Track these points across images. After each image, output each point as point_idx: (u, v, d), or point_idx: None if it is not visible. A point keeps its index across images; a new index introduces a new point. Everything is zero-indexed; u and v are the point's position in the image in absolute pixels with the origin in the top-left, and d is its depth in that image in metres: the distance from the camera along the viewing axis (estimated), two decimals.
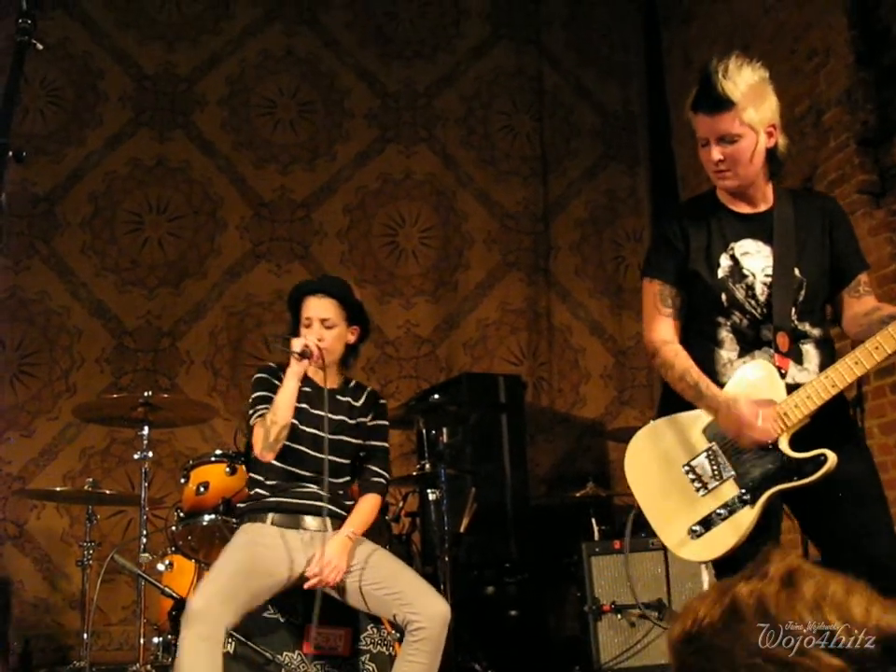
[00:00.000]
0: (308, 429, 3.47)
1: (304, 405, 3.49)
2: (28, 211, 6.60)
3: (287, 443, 3.41)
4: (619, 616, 4.63)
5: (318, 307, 3.53)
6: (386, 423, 3.74)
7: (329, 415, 3.44)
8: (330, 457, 3.40)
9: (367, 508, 3.54)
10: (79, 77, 6.94)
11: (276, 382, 3.51)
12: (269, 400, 3.46)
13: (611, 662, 4.57)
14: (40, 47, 2.00)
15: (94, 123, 6.89)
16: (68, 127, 6.84)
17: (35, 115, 6.77)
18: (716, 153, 2.74)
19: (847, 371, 2.63)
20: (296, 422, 3.44)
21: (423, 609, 3.23)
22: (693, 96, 2.76)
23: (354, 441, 3.57)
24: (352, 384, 3.71)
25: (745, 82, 2.69)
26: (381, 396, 3.79)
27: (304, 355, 3.39)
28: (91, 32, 7.00)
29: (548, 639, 5.71)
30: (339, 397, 3.59)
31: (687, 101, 2.80)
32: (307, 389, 3.50)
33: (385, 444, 3.70)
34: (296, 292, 3.65)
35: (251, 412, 3.52)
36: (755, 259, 2.81)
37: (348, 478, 3.61)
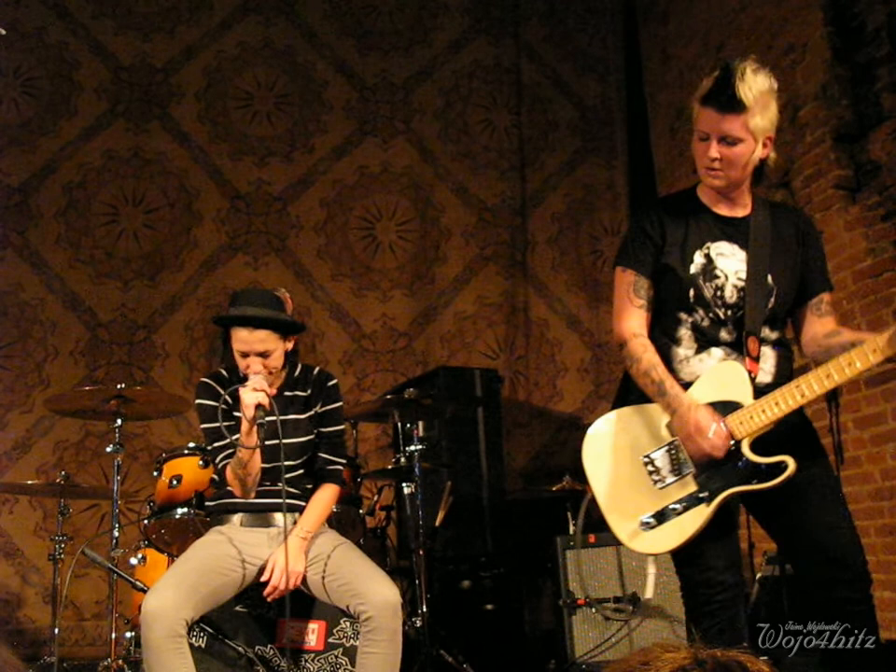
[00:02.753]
0: (266, 442, 3.29)
1: None
2: (1, 202, 6.54)
3: None
4: (593, 610, 4.63)
5: (253, 341, 3.32)
6: (339, 404, 3.58)
7: (282, 417, 3.33)
8: (288, 462, 3.34)
9: (322, 501, 3.48)
10: (54, 67, 6.88)
11: (222, 405, 3.32)
12: (223, 435, 3.30)
13: (585, 656, 4.57)
14: (3, 32, 1.97)
15: (69, 114, 6.83)
16: (43, 117, 6.78)
17: (10, 105, 6.71)
18: (714, 151, 2.75)
19: (817, 382, 2.65)
20: None
21: (369, 598, 3.17)
22: (707, 90, 2.75)
23: (308, 438, 3.50)
24: (297, 372, 3.58)
25: (758, 89, 2.70)
26: (330, 376, 3.61)
27: (260, 423, 3.17)
28: (66, 21, 6.94)
29: (523, 633, 5.71)
30: (286, 393, 3.50)
31: (697, 92, 2.79)
32: None
33: (339, 427, 3.59)
34: (228, 323, 3.41)
35: (211, 449, 3.46)
36: (729, 261, 2.83)
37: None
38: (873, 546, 4.79)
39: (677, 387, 2.74)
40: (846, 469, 4.93)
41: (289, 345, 3.46)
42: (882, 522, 4.79)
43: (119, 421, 4.47)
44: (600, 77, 7.78)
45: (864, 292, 4.95)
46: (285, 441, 3.31)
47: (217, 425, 3.26)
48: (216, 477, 3.58)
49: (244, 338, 3.34)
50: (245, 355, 3.36)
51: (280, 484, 3.36)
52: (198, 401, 3.50)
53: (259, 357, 3.34)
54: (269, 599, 3.27)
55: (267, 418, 3.20)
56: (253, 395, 3.19)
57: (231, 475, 3.34)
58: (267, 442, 3.29)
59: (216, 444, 3.44)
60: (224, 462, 3.40)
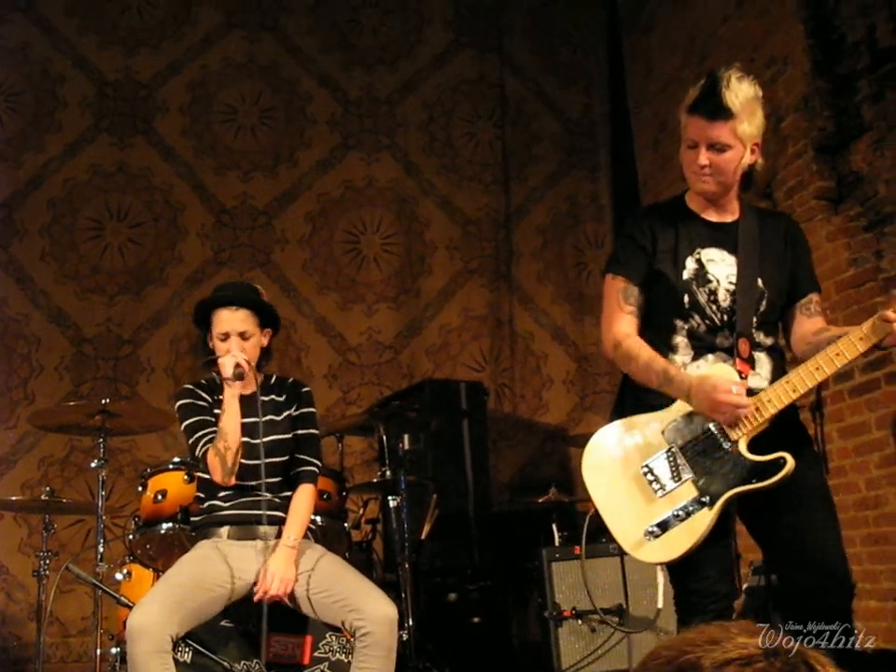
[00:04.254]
0: (242, 439, 3.38)
1: None
2: None
3: None
4: (579, 622, 4.62)
5: (234, 320, 3.43)
6: (312, 409, 3.65)
7: (261, 419, 3.39)
8: (268, 459, 3.37)
9: (302, 504, 3.48)
10: (39, 82, 6.87)
11: (200, 402, 3.49)
12: (205, 425, 3.43)
13: (572, 668, 4.56)
14: None
15: (54, 129, 6.82)
16: (27, 133, 6.78)
17: None
18: (703, 158, 2.78)
19: (807, 376, 2.67)
20: None
21: (368, 613, 3.17)
22: (694, 99, 2.79)
23: (285, 436, 3.53)
24: (272, 380, 3.65)
25: (744, 95, 2.74)
26: (303, 384, 3.71)
27: (240, 376, 3.30)
28: (50, 37, 6.94)
29: (511, 645, 5.70)
30: (262, 398, 3.53)
31: (683, 102, 2.83)
32: None
33: (314, 431, 3.63)
34: (208, 306, 3.52)
35: (192, 441, 3.47)
36: (720, 266, 2.86)
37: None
38: (858, 556, 4.80)
39: (681, 371, 2.77)
40: (830, 479, 4.90)
41: (265, 340, 3.55)
42: (867, 531, 4.80)
43: (103, 436, 4.46)
44: (584, 90, 7.82)
45: (847, 302, 4.97)
46: (263, 439, 3.36)
47: (199, 419, 3.41)
48: (201, 494, 3.58)
49: (225, 318, 3.43)
50: (225, 337, 3.42)
51: (265, 494, 3.38)
52: (178, 403, 3.56)
53: (239, 338, 3.41)
54: (255, 599, 3.25)
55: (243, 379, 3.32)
56: (231, 358, 3.31)
57: (213, 455, 3.35)
58: (246, 439, 3.36)
59: (196, 435, 3.45)
60: (205, 448, 3.40)
